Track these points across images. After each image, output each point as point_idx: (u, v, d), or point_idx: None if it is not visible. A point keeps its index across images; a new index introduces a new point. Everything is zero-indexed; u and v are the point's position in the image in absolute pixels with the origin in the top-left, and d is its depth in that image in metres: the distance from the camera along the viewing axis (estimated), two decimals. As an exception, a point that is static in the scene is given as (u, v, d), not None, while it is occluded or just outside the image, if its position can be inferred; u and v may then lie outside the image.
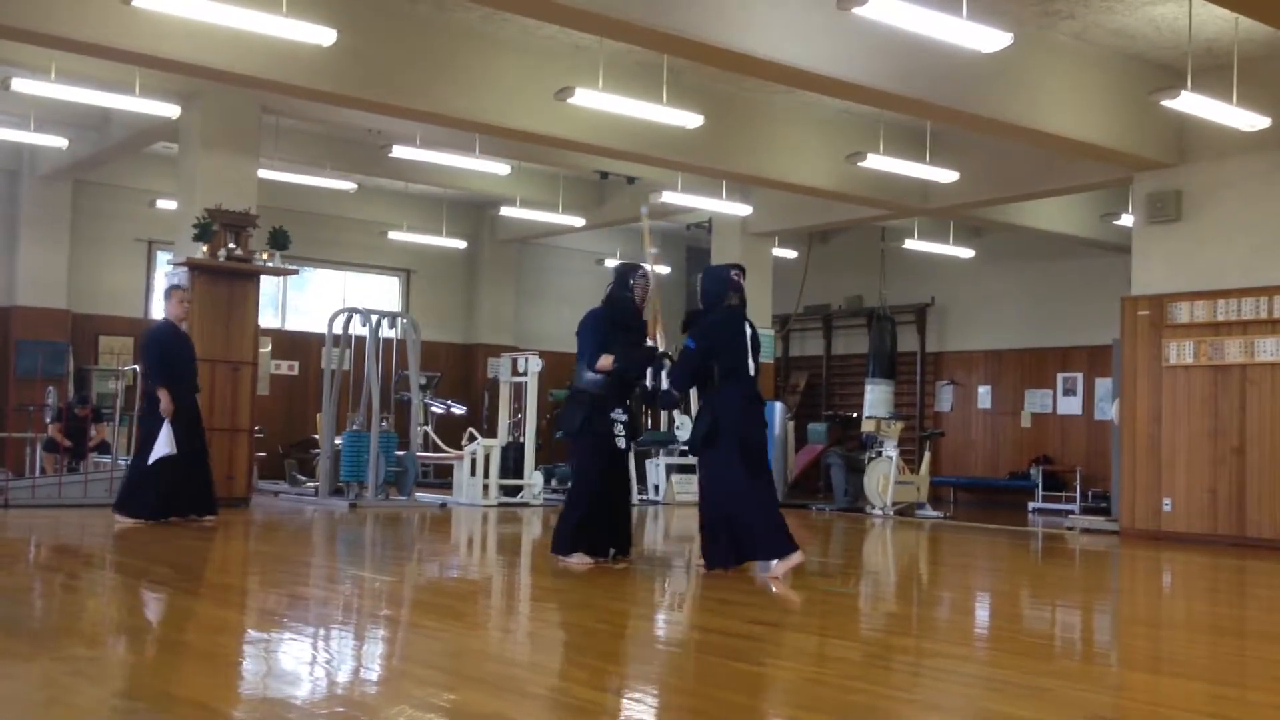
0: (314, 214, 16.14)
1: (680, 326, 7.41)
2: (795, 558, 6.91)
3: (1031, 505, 15.37)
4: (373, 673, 4.35)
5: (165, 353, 9.53)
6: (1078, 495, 15.00)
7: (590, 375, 7.22)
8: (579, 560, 7.14)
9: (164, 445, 9.32)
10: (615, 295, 7.44)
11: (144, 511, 9.41)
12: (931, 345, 17.90)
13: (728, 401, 6.98)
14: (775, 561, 6.89)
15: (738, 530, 6.92)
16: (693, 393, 8.46)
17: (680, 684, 4.28)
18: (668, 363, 7.38)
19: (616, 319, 7.38)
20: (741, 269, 7.34)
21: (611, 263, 18.07)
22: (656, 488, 14.84)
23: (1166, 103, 9.14)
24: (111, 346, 15.37)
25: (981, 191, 12.92)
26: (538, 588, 6.97)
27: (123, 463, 11.44)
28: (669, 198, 13.91)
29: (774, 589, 6.63)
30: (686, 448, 7.30)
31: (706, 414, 7.03)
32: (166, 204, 13.83)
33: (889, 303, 17.08)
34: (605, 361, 7.22)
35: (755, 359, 7.14)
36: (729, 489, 6.92)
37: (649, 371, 7.36)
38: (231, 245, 11.27)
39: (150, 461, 9.35)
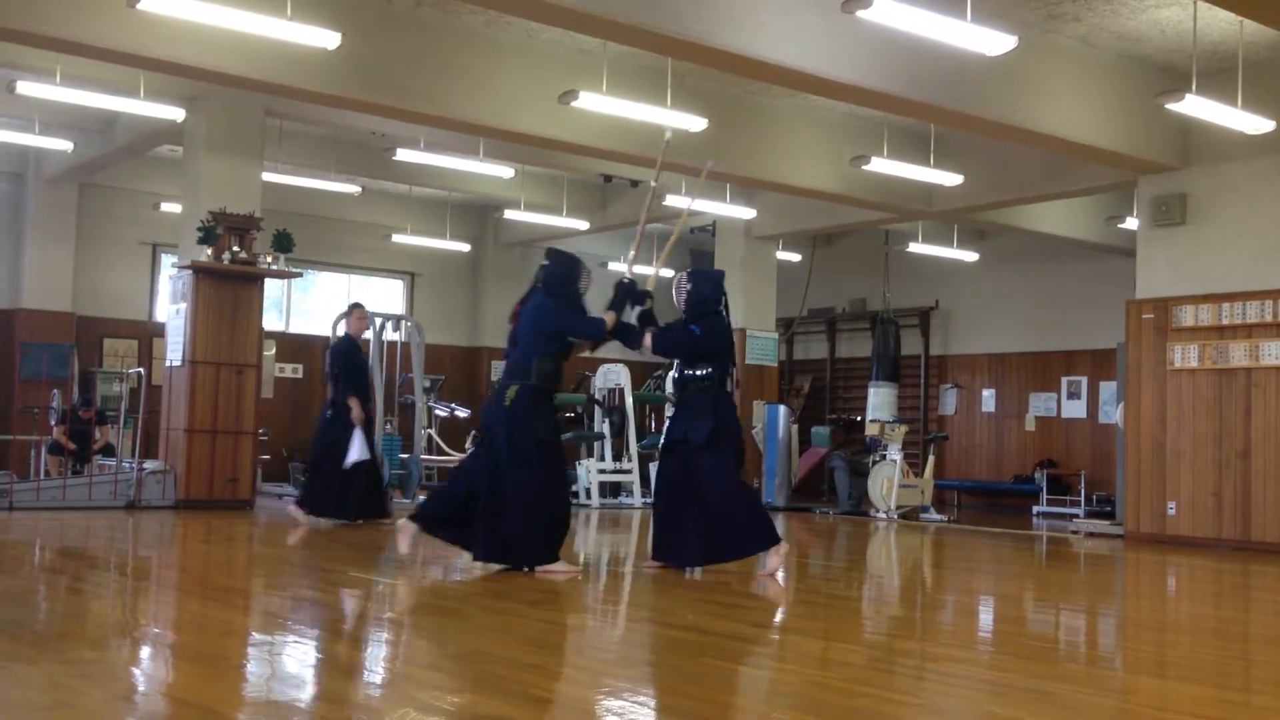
0: (318, 217, 16.16)
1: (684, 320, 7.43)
2: (784, 547, 7.15)
3: (1036, 509, 15.35)
4: (376, 675, 4.35)
5: (352, 365, 10.19)
6: (1082, 499, 14.99)
7: (545, 367, 7.02)
8: (565, 569, 7.03)
9: (357, 451, 9.92)
10: (569, 290, 7.20)
11: (338, 512, 9.98)
12: (935, 348, 17.89)
13: (727, 405, 7.20)
14: (771, 556, 7.04)
15: (723, 528, 6.97)
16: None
17: (682, 687, 4.27)
18: (650, 302, 7.32)
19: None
20: (724, 275, 7.64)
21: (616, 265, 18.12)
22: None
23: (1171, 106, 9.13)
24: (116, 349, 15.39)
25: (985, 195, 12.92)
26: (540, 590, 6.96)
27: (128, 465, 11.46)
28: (673, 201, 13.91)
29: (769, 585, 6.73)
30: (673, 442, 7.20)
31: (709, 415, 7.08)
32: (171, 207, 13.84)
33: (893, 306, 17.08)
34: (612, 317, 7.16)
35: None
36: (727, 487, 7.01)
37: (623, 301, 7.27)
38: (236, 248, 11.28)
39: (347, 466, 9.91)
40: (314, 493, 10.16)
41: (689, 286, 7.35)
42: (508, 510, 6.82)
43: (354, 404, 10.04)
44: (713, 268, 7.62)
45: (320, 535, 9.30)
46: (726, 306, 7.44)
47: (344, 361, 10.20)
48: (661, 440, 7.39)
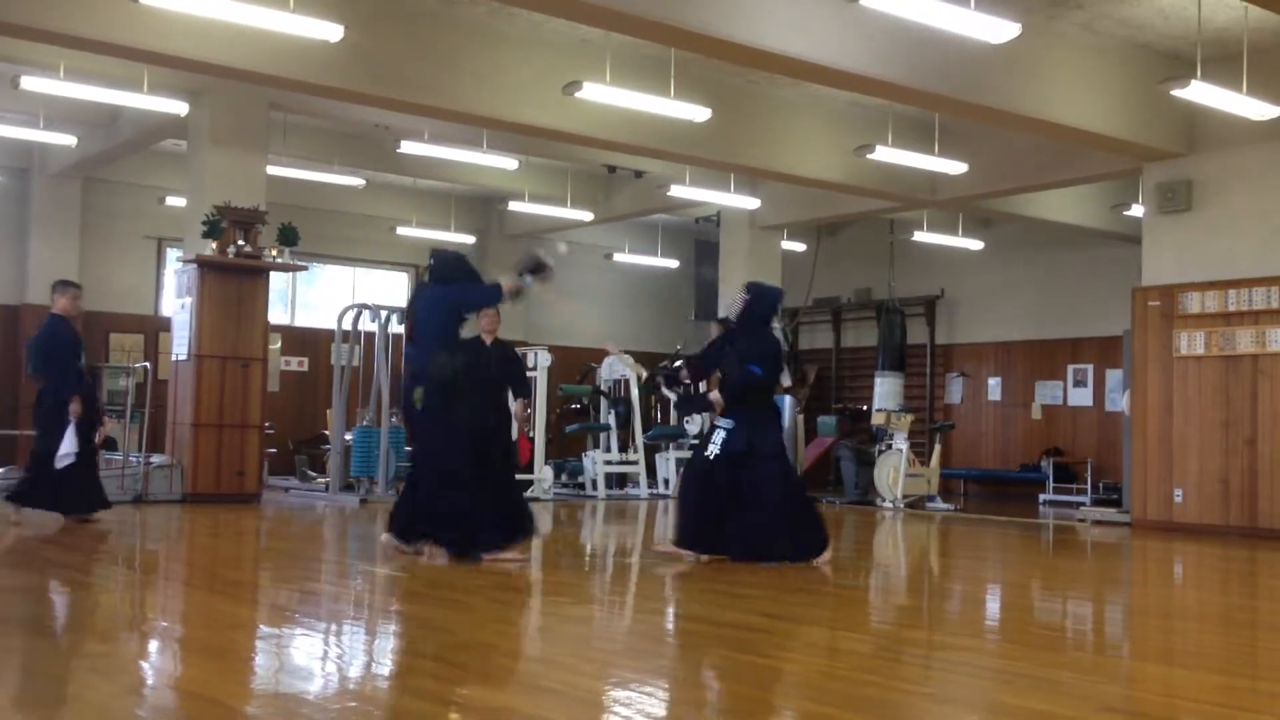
0: (323, 210, 16.15)
1: (718, 320, 7.60)
2: (829, 551, 7.44)
3: (1042, 497, 15.34)
4: (384, 667, 4.36)
5: (55, 350, 9.29)
6: (1089, 487, 14.97)
7: (442, 362, 7.11)
8: (512, 557, 7.15)
9: (69, 444, 9.28)
10: (465, 293, 7.32)
11: (53, 505, 9.25)
12: (941, 337, 17.87)
13: (777, 416, 7.74)
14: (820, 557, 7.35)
15: (776, 529, 7.23)
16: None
17: (690, 677, 4.28)
18: (548, 273, 7.35)
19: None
20: (783, 295, 8.04)
21: (620, 257, 18.13)
22: (666, 481, 14.83)
23: (1176, 92, 9.10)
24: (122, 344, 15.41)
25: (990, 183, 12.89)
26: (547, 581, 6.98)
27: (134, 460, 11.47)
28: (677, 191, 13.89)
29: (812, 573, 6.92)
30: (761, 452, 7.31)
31: (775, 426, 7.59)
32: (176, 201, 13.85)
33: (898, 295, 17.06)
34: (508, 284, 7.22)
35: None
36: (789, 490, 7.40)
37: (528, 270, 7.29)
38: (241, 242, 11.29)
39: (58, 464, 9.20)
40: (27, 485, 9.19)
41: (748, 298, 7.49)
42: (444, 502, 7.00)
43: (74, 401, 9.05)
44: (760, 282, 7.77)
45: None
46: (780, 322, 7.69)
47: (45, 347, 9.14)
48: (716, 449, 7.30)
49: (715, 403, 7.53)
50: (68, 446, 8.90)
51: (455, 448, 6.99)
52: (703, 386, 7.70)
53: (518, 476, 10.88)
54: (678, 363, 7.63)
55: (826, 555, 7.35)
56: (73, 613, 5.41)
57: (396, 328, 13.37)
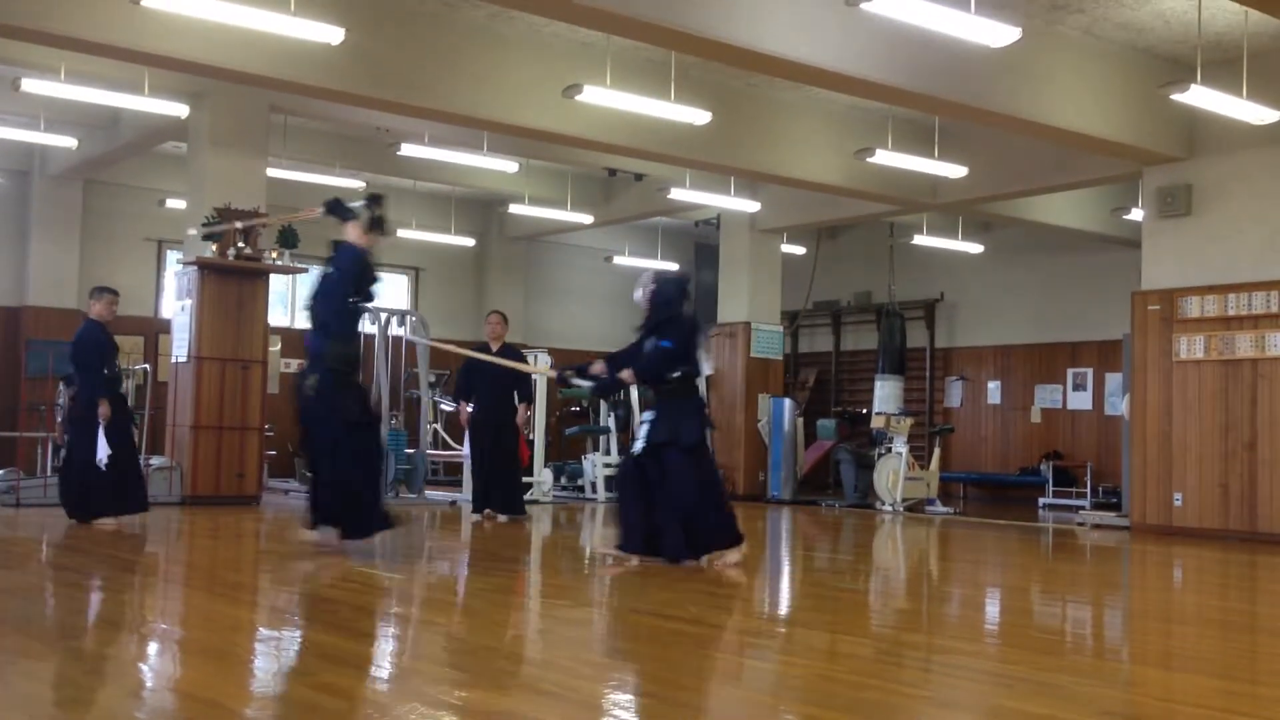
0: (323, 212, 16.14)
1: (636, 328, 7.55)
2: (744, 546, 7.32)
3: (1042, 501, 15.34)
4: (384, 670, 4.36)
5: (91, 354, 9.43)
6: (1088, 491, 14.97)
7: (338, 349, 7.47)
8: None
9: (103, 449, 9.52)
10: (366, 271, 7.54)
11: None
12: (941, 341, 17.87)
13: (701, 406, 7.51)
14: (733, 552, 7.20)
15: (698, 524, 7.16)
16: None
17: (690, 681, 4.28)
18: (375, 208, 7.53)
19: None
20: (690, 280, 7.88)
21: (620, 260, 18.13)
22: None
23: (1176, 96, 9.11)
24: (122, 346, 15.32)
25: (990, 186, 12.90)
26: (547, 585, 6.98)
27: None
28: (677, 194, 13.90)
29: (731, 575, 6.86)
30: (684, 442, 7.23)
31: (696, 415, 7.31)
32: (176, 203, 13.85)
33: (898, 298, 17.06)
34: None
35: None
36: (708, 483, 7.26)
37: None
38: (241, 244, 11.29)
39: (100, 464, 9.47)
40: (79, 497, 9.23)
41: (653, 288, 7.44)
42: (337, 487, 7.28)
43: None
44: (660, 271, 7.77)
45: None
46: (691, 308, 7.62)
47: (75, 351, 9.15)
48: (641, 444, 7.34)
49: (627, 380, 7.46)
50: (102, 450, 8.98)
51: (354, 437, 7.26)
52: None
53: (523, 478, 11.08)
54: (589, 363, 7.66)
55: (735, 556, 7.20)
56: (72, 614, 5.41)
57: (396, 330, 13.38)
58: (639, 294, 7.47)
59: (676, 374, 7.29)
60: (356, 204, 7.52)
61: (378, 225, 7.49)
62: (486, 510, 10.60)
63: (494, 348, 10.60)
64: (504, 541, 9.32)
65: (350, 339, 7.37)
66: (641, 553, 7.26)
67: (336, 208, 7.47)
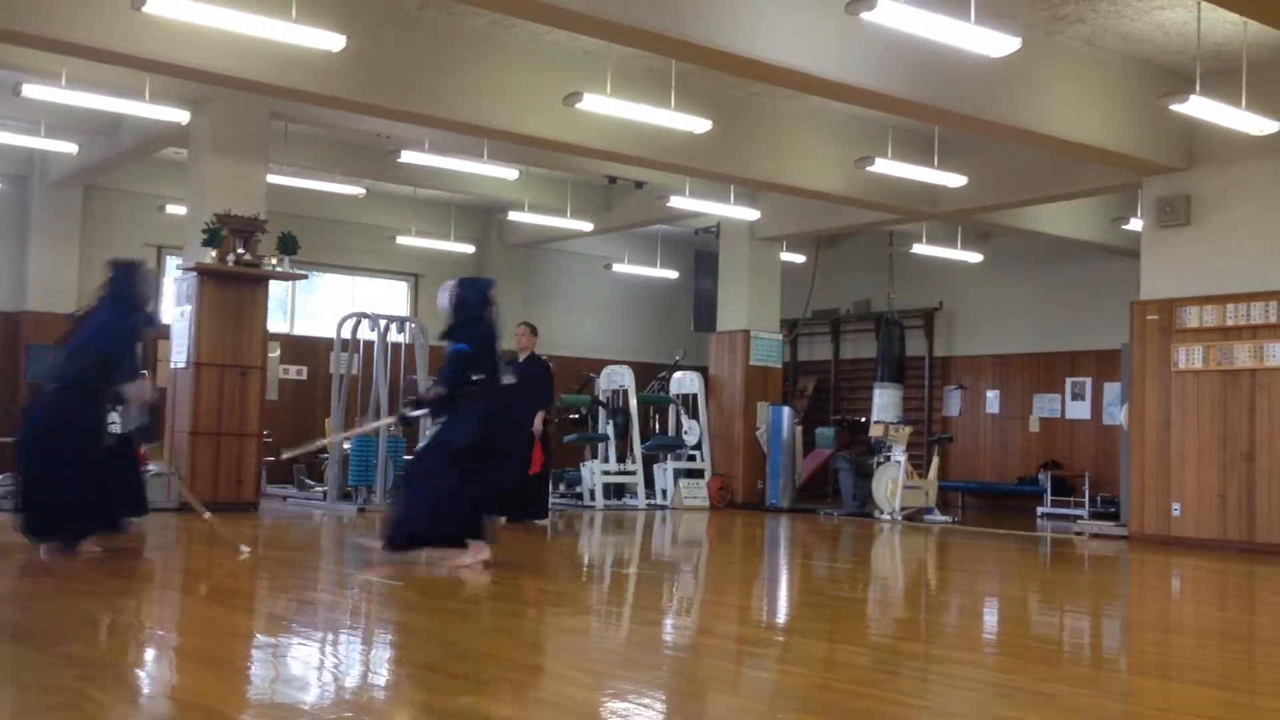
0: (323, 219, 16.16)
1: (440, 335, 7.59)
2: (485, 553, 7.27)
3: (1040, 510, 15.33)
4: (380, 677, 4.35)
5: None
6: (1086, 500, 14.97)
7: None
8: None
9: None
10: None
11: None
12: (940, 350, 17.88)
13: (493, 417, 7.33)
14: (465, 555, 7.22)
15: (424, 518, 7.20)
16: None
17: (687, 689, 4.28)
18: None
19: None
20: (494, 285, 7.79)
21: (620, 268, 18.13)
22: (664, 492, 14.83)
23: (1175, 107, 9.12)
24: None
25: (990, 196, 12.91)
26: (543, 592, 6.97)
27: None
28: (677, 202, 13.91)
29: (462, 575, 6.94)
30: (453, 444, 7.27)
31: (475, 421, 7.24)
32: (176, 209, 13.85)
33: (897, 307, 17.06)
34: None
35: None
36: (469, 485, 7.17)
37: None
38: (240, 250, 11.29)
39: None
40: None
41: (457, 292, 7.50)
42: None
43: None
44: (466, 276, 7.83)
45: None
46: (494, 312, 7.58)
47: None
48: (426, 443, 7.45)
49: (432, 394, 7.45)
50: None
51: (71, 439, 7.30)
52: None
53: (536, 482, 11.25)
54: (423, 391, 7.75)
55: (466, 561, 7.22)
56: (68, 621, 5.40)
57: (396, 336, 13.38)
58: (443, 299, 7.53)
59: (478, 377, 7.27)
60: None
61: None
62: (507, 517, 10.91)
63: (522, 358, 11.17)
64: (503, 547, 9.31)
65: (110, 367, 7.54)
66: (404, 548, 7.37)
67: None
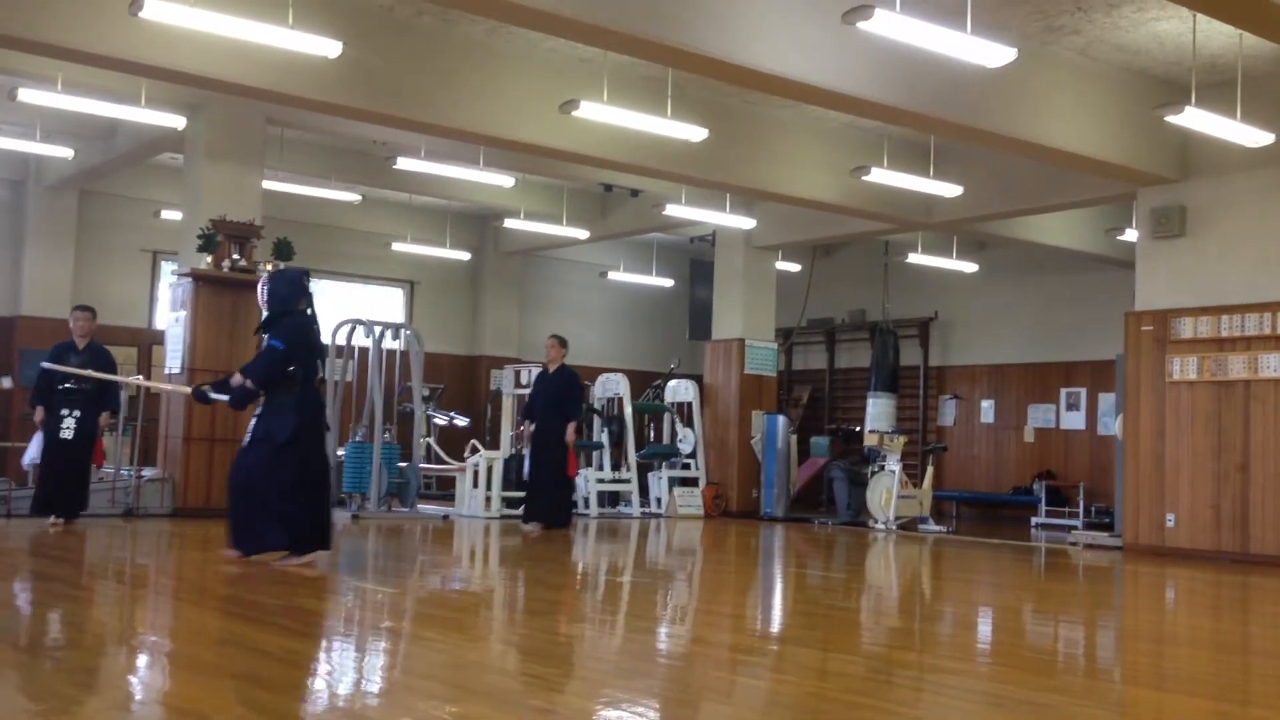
0: (318, 225, 16.16)
1: (255, 329, 7.59)
2: (311, 557, 7.36)
3: (1034, 520, 15.33)
4: (374, 685, 4.34)
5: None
6: (1081, 510, 14.96)
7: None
8: None
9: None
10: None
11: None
12: (934, 359, 17.90)
13: (311, 406, 7.45)
14: (296, 557, 7.31)
15: (260, 518, 7.31)
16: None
17: (681, 697, 4.27)
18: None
19: None
20: (309, 274, 7.74)
21: (615, 276, 18.14)
22: (659, 500, 14.83)
23: (1170, 118, 9.14)
24: (115, 356, 15.34)
25: (985, 206, 12.93)
26: (539, 600, 6.96)
27: (126, 473, 11.45)
28: (673, 210, 13.92)
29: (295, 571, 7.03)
30: (276, 440, 7.32)
31: (292, 414, 7.30)
32: (171, 215, 13.85)
33: (892, 317, 17.08)
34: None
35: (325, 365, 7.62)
36: (289, 480, 7.26)
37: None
38: (235, 256, 11.29)
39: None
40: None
41: (268, 286, 7.51)
42: None
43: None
44: (280, 268, 7.82)
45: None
46: (310, 304, 7.57)
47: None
48: (246, 438, 7.48)
49: (238, 384, 7.45)
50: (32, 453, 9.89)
51: None
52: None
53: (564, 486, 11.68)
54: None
55: (297, 563, 7.27)
56: (60, 626, 5.38)
57: (391, 343, 13.38)
58: (260, 292, 7.55)
59: (292, 369, 7.31)
60: None
61: None
62: (533, 523, 11.34)
63: (551, 370, 11.66)
64: (496, 557, 9.31)
65: None
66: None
67: None
